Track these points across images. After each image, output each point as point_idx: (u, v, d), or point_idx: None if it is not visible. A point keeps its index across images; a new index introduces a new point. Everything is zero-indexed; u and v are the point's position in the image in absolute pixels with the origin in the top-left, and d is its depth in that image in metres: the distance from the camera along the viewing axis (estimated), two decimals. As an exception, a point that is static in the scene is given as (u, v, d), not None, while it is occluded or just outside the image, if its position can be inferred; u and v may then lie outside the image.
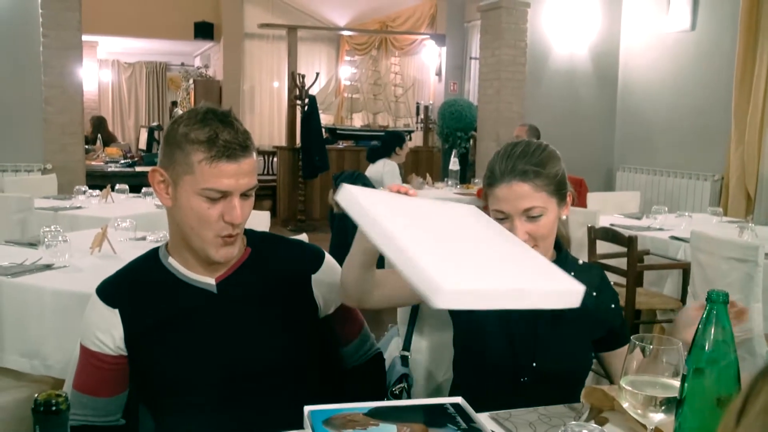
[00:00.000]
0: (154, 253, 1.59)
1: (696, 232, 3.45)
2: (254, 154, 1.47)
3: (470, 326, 1.69)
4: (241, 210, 1.44)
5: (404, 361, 1.88)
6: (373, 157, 5.89)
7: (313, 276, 1.61)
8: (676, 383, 1.09)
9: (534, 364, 1.62)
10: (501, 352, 1.64)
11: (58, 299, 2.35)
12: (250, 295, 1.53)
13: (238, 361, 1.49)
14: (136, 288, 1.53)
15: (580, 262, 1.75)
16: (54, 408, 0.68)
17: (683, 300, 3.72)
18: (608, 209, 4.85)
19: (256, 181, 1.48)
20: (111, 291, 1.53)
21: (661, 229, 4.24)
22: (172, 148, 1.44)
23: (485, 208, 1.61)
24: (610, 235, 3.77)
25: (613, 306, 1.69)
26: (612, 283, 1.79)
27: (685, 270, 3.70)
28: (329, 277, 1.63)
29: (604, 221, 4.21)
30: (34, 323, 2.38)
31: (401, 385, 1.80)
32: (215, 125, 1.41)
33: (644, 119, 7.30)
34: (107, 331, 1.49)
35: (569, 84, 7.48)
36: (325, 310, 1.64)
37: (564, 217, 1.67)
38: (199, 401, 1.49)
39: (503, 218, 1.61)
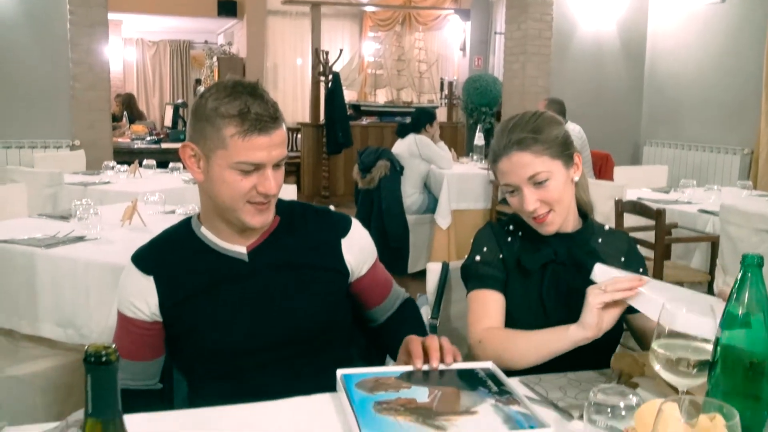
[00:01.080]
0: (186, 222, 1.61)
1: (726, 204, 3.42)
2: (284, 125, 1.48)
3: (509, 296, 1.68)
4: (274, 180, 1.46)
5: (433, 328, 1.90)
6: (403, 132, 5.88)
7: (342, 240, 1.62)
8: (709, 346, 1.09)
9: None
10: (536, 322, 1.62)
11: (91, 270, 2.40)
12: (281, 263, 1.55)
13: (271, 327, 1.52)
14: (170, 256, 1.55)
15: (606, 228, 1.74)
16: (104, 359, 0.70)
17: (711, 273, 3.70)
18: (635, 183, 4.80)
19: (286, 151, 1.49)
20: (146, 259, 1.55)
21: (689, 203, 4.20)
22: (202, 123, 1.44)
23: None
24: (637, 208, 3.74)
25: (641, 270, 1.68)
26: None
27: (714, 243, 3.67)
28: (358, 242, 1.66)
29: (631, 195, 4.17)
30: (68, 293, 2.43)
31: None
32: (245, 98, 1.41)
33: (672, 93, 7.20)
34: (142, 298, 1.51)
35: (596, 58, 7.39)
36: (356, 274, 1.66)
37: (576, 178, 1.65)
38: (232, 367, 1.52)
39: (513, 191, 1.61)
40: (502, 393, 1.29)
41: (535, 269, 1.66)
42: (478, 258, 1.70)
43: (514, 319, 1.68)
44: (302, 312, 1.54)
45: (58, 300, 2.44)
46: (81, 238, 2.65)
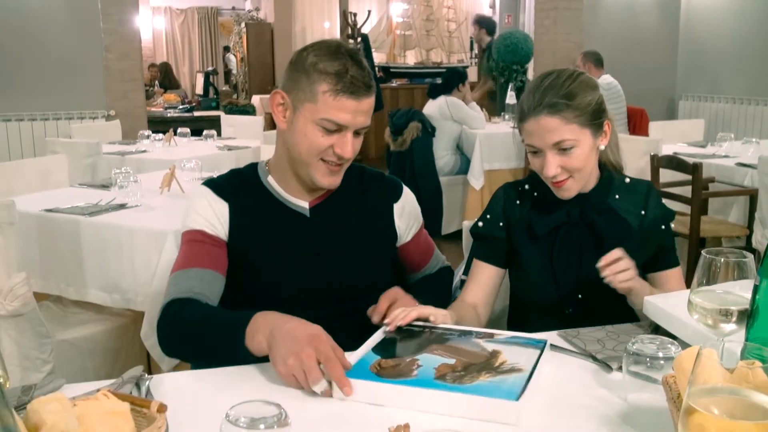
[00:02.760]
0: (253, 167, 1.68)
1: (765, 156, 3.37)
2: (374, 95, 1.52)
3: (518, 261, 1.72)
4: (352, 145, 1.51)
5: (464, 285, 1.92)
6: (434, 93, 5.85)
7: (394, 205, 1.70)
8: (747, 294, 1.10)
9: (579, 296, 1.63)
10: (545, 285, 1.66)
11: (134, 236, 2.46)
12: (339, 223, 1.62)
13: (322, 282, 1.59)
14: (242, 192, 1.62)
15: (627, 180, 1.70)
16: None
17: (750, 227, 3.66)
18: (671, 138, 4.74)
19: (370, 120, 1.53)
20: (222, 187, 1.62)
21: (726, 156, 4.14)
22: (299, 74, 1.50)
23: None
24: (674, 162, 3.70)
25: (663, 227, 1.66)
26: (675, 212, 1.74)
27: (752, 196, 3.63)
28: (407, 207, 1.73)
29: (666, 150, 4.13)
30: (113, 259, 2.49)
31: None
32: (345, 60, 1.47)
33: (708, 46, 7.04)
34: (219, 219, 1.58)
35: (629, 11, 7.24)
36: (403, 239, 1.74)
37: (602, 147, 1.63)
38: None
39: (536, 152, 1.60)
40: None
41: (544, 234, 1.66)
42: (480, 224, 1.75)
43: (527, 281, 1.72)
44: (352, 271, 1.61)
45: (103, 266, 2.51)
46: (122, 206, 2.71)
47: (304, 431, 1.07)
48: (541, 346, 1.32)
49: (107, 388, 0.95)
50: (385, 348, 1.34)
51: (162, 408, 0.92)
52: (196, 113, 8.49)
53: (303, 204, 1.61)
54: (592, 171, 1.64)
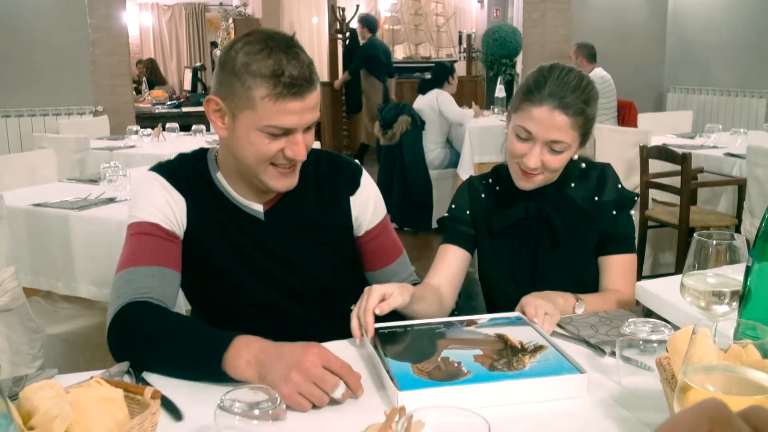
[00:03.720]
0: (203, 157, 1.53)
1: (753, 146, 3.39)
2: (318, 86, 1.38)
3: (481, 256, 1.76)
4: (303, 145, 1.39)
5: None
6: (425, 88, 5.85)
7: (351, 198, 1.59)
8: (739, 277, 1.10)
9: (535, 284, 1.62)
10: (504, 282, 1.69)
11: (123, 230, 2.41)
12: (295, 223, 1.53)
13: (286, 286, 1.53)
14: (195, 187, 1.49)
15: (583, 165, 1.70)
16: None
17: (738, 216, 3.68)
18: (660, 130, 4.76)
19: (318, 113, 1.41)
20: (178, 178, 1.48)
21: (715, 147, 4.16)
22: (231, 78, 1.35)
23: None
24: (663, 153, 3.72)
25: (614, 212, 1.65)
26: (635, 197, 1.73)
27: (741, 186, 3.65)
28: (364, 198, 1.62)
29: (655, 141, 4.14)
30: (102, 254, 2.47)
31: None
32: (279, 56, 1.32)
33: (695, 38, 7.07)
34: (175, 213, 1.45)
35: (617, 4, 7.26)
36: (362, 229, 1.63)
37: (576, 157, 1.65)
38: (233, 316, 1.53)
39: (526, 139, 1.58)
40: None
41: (501, 230, 1.68)
42: (447, 214, 1.77)
43: (487, 277, 1.76)
44: (313, 273, 1.55)
45: (93, 260, 2.50)
46: (112, 200, 2.70)
47: (299, 416, 1.07)
48: (522, 322, 1.37)
49: (100, 376, 0.94)
50: (397, 356, 1.23)
51: (156, 394, 0.91)
52: (185, 109, 8.44)
53: (257, 207, 1.51)
54: (553, 178, 1.65)
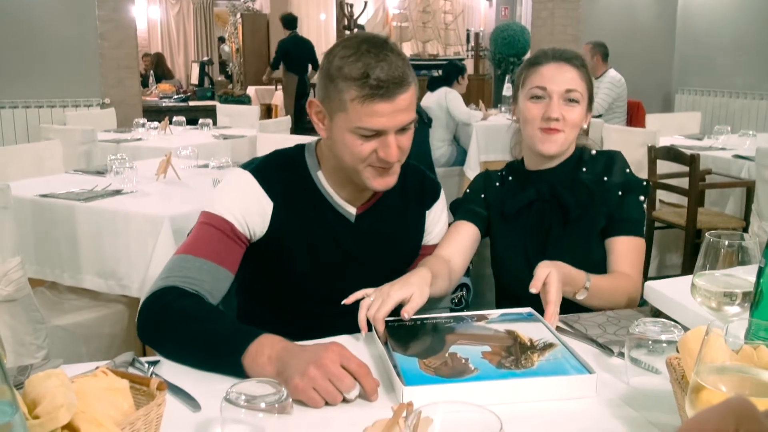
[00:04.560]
0: (301, 154, 1.56)
1: (762, 148, 3.36)
2: (413, 87, 1.40)
3: (494, 243, 1.80)
4: (397, 146, 1.40)
5: (467, 270, 1.91)
6: (434, 86, 5.85)
7: (427, 212, 1.67)
8: (750, 278, 1.09)
9: None
10: (516, 264, 1.71)
11: (130, 222, 2.44)
12: (381, 232, 1.58)
13: (352, 287, 1.48)
14: (290, 189, 1.52)
15: (594, 152, 1.75)
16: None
17: (746, 219, 3.66)
18: (668, 131, 4.74)
19: (414, 114, 1.42)
20: (272, 183, 1.50)
21: (723, 149, 4.14)
22: (326, 82, 1.40)
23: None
24: (671, 154, 3.70)
25: (620, 193, 1.68)
26: (648, 185, 1.74)
27: (749, 188, 3.63)
28: (437, 216, 1.70)
29: (663, 142, 4.12)
30: (108, 245, 2.48)
31: (461, 293, 1.85)
32: (368, 59, 1.35)
33: (705, 40, 7.04)
34: (259, 219, 1.48)
35: (626, 4, 7.24)
36: (424, 242, 1.70)
37: (585, 126, 1.72)
38: (296, 318, 1.54)
39: (540, 97, 1.65)
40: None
41: (513, 212, 1.73)
42: (460, 197, 1.84)
43: (500, 262, 1.79)
44: (381, 277, 1.51)
45: (99, 252, 2.50)
46: (118, 192, 2.69)
47: (305, 410, 1.06)
48: (533, 318, 1.36)
49: (105, 367, 0.94)
50: (405, 351, 1.23)
51: (162, 386, 0.91)
52: (191, 103, 8.47)
53: (351, 210, 1.55)
54: (572, 143, 1.71)
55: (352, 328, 1.35)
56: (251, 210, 1.47)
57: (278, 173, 1.53)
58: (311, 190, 1.53)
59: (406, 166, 1.61)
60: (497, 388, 1.10)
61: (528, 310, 1.41)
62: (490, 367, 1.15)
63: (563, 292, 1.41)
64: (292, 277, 1.54)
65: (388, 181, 1.46)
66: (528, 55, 1.78)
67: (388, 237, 1.59)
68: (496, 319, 1.37)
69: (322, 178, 1.53)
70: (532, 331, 1.30)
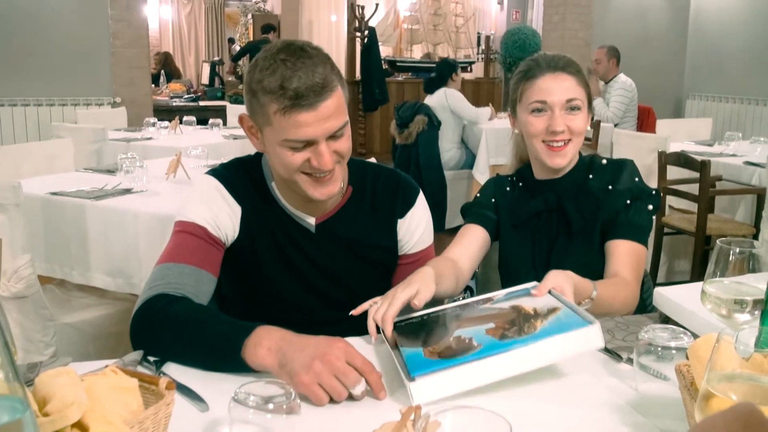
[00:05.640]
0: (258, 164, 1.55)
1: (773, 155, 3.35)
2: (339, 90, 1.35)
3: (502, 249, 1.80)
4: (330, 154, 1.36)
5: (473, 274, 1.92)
6: (431, 87, 5.85)
7: (399, 221, 1.60)
8: (762, 286, 1.09)
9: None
10: (524, 275, 1.65)
11: (139, 221, 2.45)
12: (345, 240, 1.55)
13: (324, 296, 1.55)
14: (253, 194, 1.51)
15: (604, 162, 1.74)
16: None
17: (756, 226, 3.64)
18: (678, 136, 4.72)
19: (344, 118, 1.37)
20: (236, 186, 1.50)
21: (734, 155, 4.12)
22: (250, 97, 1.37)
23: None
24: (681, 160, 3.69)
25: (628, 201, 1.66)
26: (657, 194, 1.72)
27: (760, 195, 3.62)
28: (414, 223, 1.62)
29: (674, 148, 4.11)
30: (118, 244, 2.48)
31: (464, 294, 1.84)
32: (283, 71, 1.30)
33: (717, 45, 7.01)
34: (230, 222, 1.48)
35: (638, 9, 7.22)
36: (400, 251, 1.63)
37: (588, 128, 1.72)
38: (270, 317, 1.53)
39: (541, 111, 1.65)
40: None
41: (522, 222, 1.73)
42: (471, 202, 1.83)
43: (507, 270, 1.79)
44: (354, 287, 1.55)
45: (108, 250, 2.51)
46: (128, 191, 2.70)
47: (313, 410, 1.06)
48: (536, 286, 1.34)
49: (115, 365, 0.94)
50: (412, 344, 1.23)
51: (171, 385, 0.91)
52: (202, 103, 8.49)
53: (309, 220, 1.52)
54: (578, 149, 1.71)
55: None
56: (222, 214, 1.47)
57: (241, 179, 1.52)
58: (270, 200, 1.52)
59: (380, 171, 1.61)
60: (501, 360, 1.10)
61: (533, 283, 1.37)
62: (494, 341, 1.15)
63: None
64: (265, 284, 1.53)
65: (330, 189, 1.42)
66: (522, 66, 1.75)
67: (354, 246, 1.55)
68: (501, 299, 1.36)
69: (276, 190, 1.52)
70: (537, 301, 1.28)
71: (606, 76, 5.84)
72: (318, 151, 1.35)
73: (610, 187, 1.68)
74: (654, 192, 1.70)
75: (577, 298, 1.45)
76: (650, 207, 1.68)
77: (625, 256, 1.62)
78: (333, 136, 1.36)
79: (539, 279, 1.47)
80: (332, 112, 1.34)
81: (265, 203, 1.52)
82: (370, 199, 1.58)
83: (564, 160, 1.66)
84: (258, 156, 1.57)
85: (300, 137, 1.33)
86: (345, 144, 1.40)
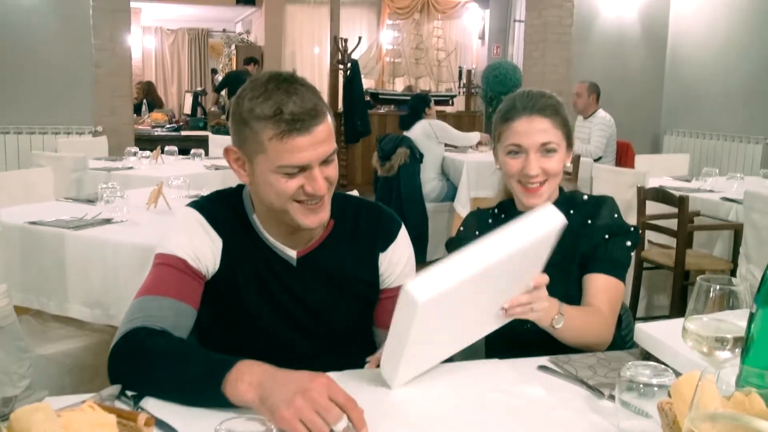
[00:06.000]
0: (239, 196, 1.55)
1: (750, 191, 3.40)
2: (328, 117, 1.38)
3: None
4: (323, 179, 1.38)
5: None
6: (407, 124, 5.91)
7: (380, 254, 1.59)
8: (742, 323, 1.10)
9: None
10: None
11: (119, 251, 2.43)
12: (327, 274, 1.54)
13: (306, 329, 1.54)
14: (233, 228, 1.50)
15: (585, 197, 1.76)
16: None
17: (734, 261, 3.68)
18: (657, 172, 4.78)
19: (334, 145, 1.41)
20: (217, 219, 1.49)
21: (711, 191, 4.18)
22: (240, 127, 1.39)
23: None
24: (660, 195, 3.73)
25: (606, 236, 1.67)
26: (636, 231, 1.73)
27: (737, 231, 3.66)
28: (396, 257, 1.61)
29: (652, 183, 4.15)
30: (96, 274, 2.46)
31: None
32: (278, 96, 1.33)
33: (694, 82, 7.14)
34: (210, 255, 1.46)
35: (616, 46, 7.35)
36: (381, 285, 1.62)
37: (568, 164, 1.74)
38: (249, 350, 1.51)
39: (517, 153, 1.67)
40: None
41: None
42: (454, 235, 1.85)
43: None
44: (335, 320, 1.55)
45: (86, 281, 2.48)
46: (108, 221, 2.68)
47: (293, 450, 1.05)
48: None
49: (92, 401, 0.93)
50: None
51: (149, 421, 0.90)
52: (184, 132, 8.48)
53: (290, 253, 1.51)
54: (556, 186, 1.73)
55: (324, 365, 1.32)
56: (202, 246, 1.46)
57: (222, 212, 1.51)
58: (250, 231, 1.51)
59: (359, 203, 1.62)
60: (481, 250, 1.23)
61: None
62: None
63: (539, 321, 1.44)
64: (244, 317, 1.52)
65: (321, 217, 1.44)
66: (502, 105, 1.77)
67: (335, 279, 1.54)
68: None
69: (257, 222, 1.51)
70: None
71: (585, 111, 5.93)
72: (312, 176, 1.37)
73: (589, 221, 1.70)
74: (633, 229, 1.71)
75: (549, 313, 1.46)
76: (628, 243, 1.69)
77: (601, 290, 1.63)
78: (325, 162, 1.39)
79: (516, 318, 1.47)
80: (325, 137, 1.37)
81: (246, 236, 1.51)
82: (351, 233, 1.57)
83: (539, 200, 1.67)
84: (239, 188, 1.57)
85: (295, 162, 1.35)
86: (335, 171, 1.43)
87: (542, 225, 1.29)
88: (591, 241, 1.67)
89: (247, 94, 1.38)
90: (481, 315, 1.37)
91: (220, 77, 12.99)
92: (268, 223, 1.51)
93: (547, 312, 1.44)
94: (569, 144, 1.72)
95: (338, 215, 1.56)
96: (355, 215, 1.59)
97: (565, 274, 1.67)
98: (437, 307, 1.19)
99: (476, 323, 1.40)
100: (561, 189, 1.78)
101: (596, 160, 5.62)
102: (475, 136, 5.88)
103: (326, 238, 1.55)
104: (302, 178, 1.37)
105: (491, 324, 1.41)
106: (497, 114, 1.75)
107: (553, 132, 1.66)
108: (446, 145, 5.95)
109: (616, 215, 1.71)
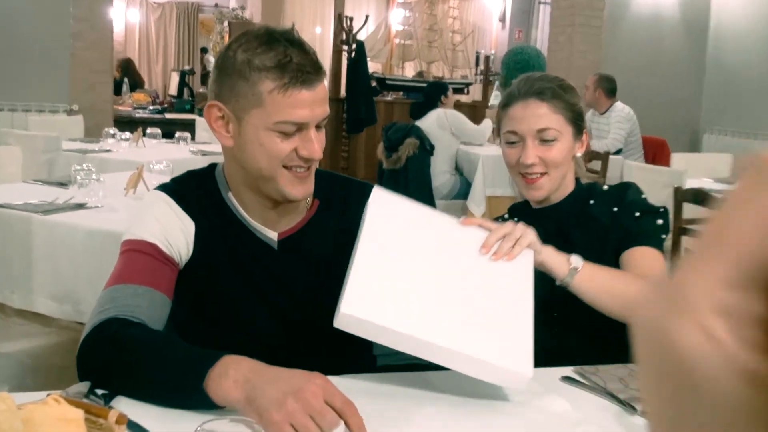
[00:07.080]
0: (211, 174, 1.55)
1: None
2: (325, 77, 1.42)
3: None
4: (318, 142, 1.41)
5: None
6: (419, 113, 5.88)
7: None
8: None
9: (555, 314, 1.64)
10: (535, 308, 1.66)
11: (93, 239, 2.41)
12: (310, 259, 1.54)
13: (289, 315, 1.53)
14: (207, 211, 1.50)
15: (605, 187, 1.75)
16: None
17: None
18: (695, 172, 4.75)
19: (328, 108, 1.44)
20: (189, 200, 1.49)
21: (756, 195, 4.14)
22: (233, 79, 1.38)
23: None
24: (699, 197, 3.70)
25: (637, 214, 1.65)
26: (665, 211, 1.71)
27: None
28: None
29: (690, 184, 4.12)
30: (66, 264, 2.44)
31: None
32: (280, 47, 1.35)
33: (737, 76, 7.11)
34: (184, 240, 1.46)
35: (653, 34, 7.32)
36: None
37: (579, 154, 1.73)
38: (232, 343, 1.50)
39: (516, 141, 1.66)
40: None
41: None
42: None
43: None
44: (321, 308, 1.49)
45: (55, 272, 2.46)
46: (82, 206, 2.66)
47: (283, 459, 1.03)
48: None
49: (58, 394, 0.90)
50: None
51: (122, 419, 0.88)
52: (168, 115, 8.47)
53: (271, 235, 1.51)
54: (566, 177, 1.71)
55: (324, 366, 1.31)
56: (174, 230, 1.45)
57: (194, 193, 1.52)
58: (226, 211, 1.51)
59: (350, 183, 1.65)
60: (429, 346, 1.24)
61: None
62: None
63: (550, 265, 1.49)
64: (223, 306, 1.51)
65: (308, 188, 1.46)
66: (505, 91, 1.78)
67: (323, 263, 1.53)
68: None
69: (234, 201, 1.51)
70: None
71: (598, 107, 5.82)
72: (308, 137, 1.39)
73: (615, 209, 1.68)
74: (662, 210, 1.69)
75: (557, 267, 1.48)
76: (660, 222, 1.66)
77: (638, 260, 1.61)
78: (318, 126, 1.43)
79: (537, 316, 1.45)
80: (324, 96, 1.41)
81: (221, 217, 1.51)
82: (340, 214, 1.57)
83: (539, 192, 1.68)
84: (211, 167, 1.58)
85: (295, 118, 1.37)
86: (324, 138, 1.46)
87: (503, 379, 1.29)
88: (622, 224, 1.65)
89: (240, 45, 1.39)
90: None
91: (210, 57, 12.98)
92: (245, 201, 1.51)
93: (552, 255, 1.48)
94: (578, 131, 1.70)
95: (324, 195, 1.57)
96: (344, 195, 1.60)
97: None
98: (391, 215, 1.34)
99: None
100: (578, 180, 1.77)
101: (615, 153, 5.57)
102: (487, 127, 5.84)
103: (310, 219, 1.55)
104: (297, 139, 1.39)
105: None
106: (501, 99, 1.76)
107: (552, 118, 1.64)
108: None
109: (643, 196, 1.71)
